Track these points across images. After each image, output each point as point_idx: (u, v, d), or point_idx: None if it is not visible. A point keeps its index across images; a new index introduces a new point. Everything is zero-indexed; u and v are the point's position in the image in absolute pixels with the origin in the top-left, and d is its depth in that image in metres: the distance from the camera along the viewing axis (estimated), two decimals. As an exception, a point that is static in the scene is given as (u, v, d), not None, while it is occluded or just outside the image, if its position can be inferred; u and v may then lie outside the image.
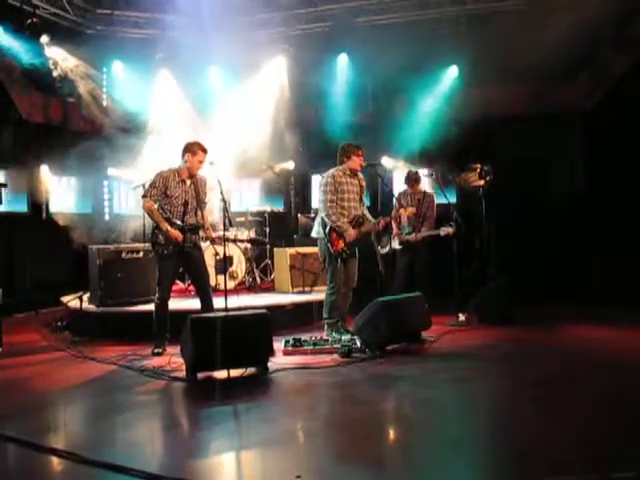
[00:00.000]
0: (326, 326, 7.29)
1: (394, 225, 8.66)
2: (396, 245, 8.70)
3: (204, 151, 6.85)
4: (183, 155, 6.87)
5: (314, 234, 7.42)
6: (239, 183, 11.51)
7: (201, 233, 6.90)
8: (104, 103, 11.20)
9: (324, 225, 7.17)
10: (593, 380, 5.46)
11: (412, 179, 8.81)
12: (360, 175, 7.45)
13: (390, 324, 6.54)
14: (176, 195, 6.77)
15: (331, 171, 7.28)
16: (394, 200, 8.79)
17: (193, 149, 6.82)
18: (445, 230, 8.29)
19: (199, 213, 6.90)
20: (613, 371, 5.69)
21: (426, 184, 9.52)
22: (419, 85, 10.88)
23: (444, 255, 8.36)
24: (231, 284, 9.28)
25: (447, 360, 6.35)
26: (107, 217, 11.61)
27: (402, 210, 8.41)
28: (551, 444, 3.97)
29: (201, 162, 6.83)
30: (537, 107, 10.62)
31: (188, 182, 6.85)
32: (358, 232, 7.22)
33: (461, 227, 8.19)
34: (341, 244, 7.10)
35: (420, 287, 7.86)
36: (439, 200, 8.72)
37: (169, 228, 6.67)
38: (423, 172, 9.03)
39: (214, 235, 7.05)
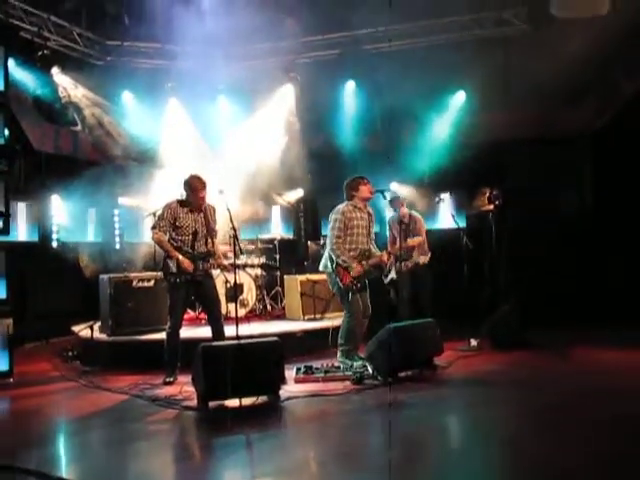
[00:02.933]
0: (340, 352, 7.26)
1: (391, 258, 8.65)
2: (394, 275, 8.64)
3: (203, 186, 6.87)
4: (185, 190, 6.93)
5: (322, 268, 7.44)
6: (249, 210, 11.59)
7: (212, 261, 6.94)
8: (114, 132, 11.34)
9: (331, 260, 7.19)
10: (609, 406, 5.41)
11: (397, 202, 8.80)
12: (369, 208, 7.49)
13: (402, 350, 6.54)
14: (185, 225, 6.83)
15: (341, 207, 7.30)
16: (387, 228, 8.87)
17: (192, 185, 6.86)
18: (421, 259, 8.50)
19: (209, 241, 6.96)
20: (629, 396, 5.65)
21: (439, 209, 9.59)
22: (427, 110, 10.98)
23: (455, 279, 8.37)
24: (242, 312, 9.31)
25: (460, 386, 6.36)
26: (118, 246, 11.66)
27: (410, 241, 8.48)
28: (565, 473, 3.96)
29: (202, 198, 6.88)
30: (545, 130, 10.68)
31: (196, 212, 6.91)
32: (365, 266, 7.21)
33: (471, 251, 8.23)
34: (349, 277, 7.11)
35: (427, 314, 7.82)
36: (447, 225, 8.75)
37: (180, 257, 6.72)
38: (436, 197, 9.11)
39: (225, 262, 7.11)
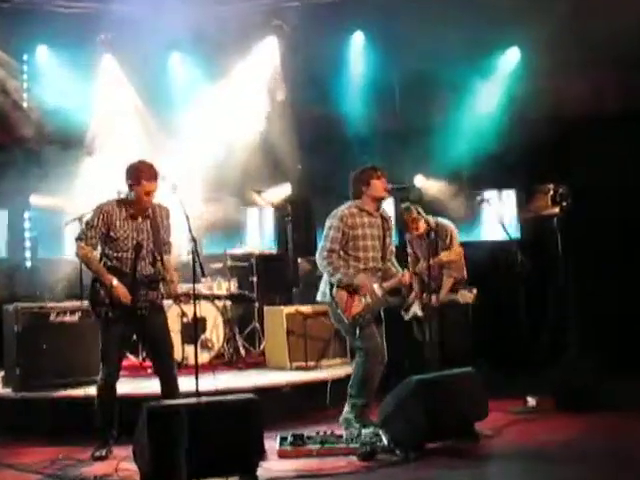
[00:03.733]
0: (349, 406, 7.35)
1: (414, 283, 8.71)
2: (417, 310, 8.80)
3: (153, 176, 6.83)
4: (126, 182, 6.91)
5: (320, 297, 7.55)
6: (214, 214, 11.63)
7: (162, 288, 6.97)
8: (23, 103, 11.31)
9: (330, 283, 7.31)
10: None
11: (407, 221, 8.82)
12: (386, 212, 7.63)
13: (429, 413, 6.48)
14: (124, 236, 6.81)
15: (341, 209, 7.43)
16: (407, 245, 9.05)
17: (138, 175, 6.81)
18: (464, 296, 8.53)
19: (158, 259, 6.95)
20: None
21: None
22: (465, 76, 11.05)
23: (504, 313, 8.40)
24: (204, 357, 9.44)
25: (510, 463, 6.36)
26: (29, 263, 11.65)
27: (443, 255, 8.30)
28: None
29: (149, 193, 6.84)
30: (627, 104, 10.77)
31: (140, 217, 6.90)
32: (379, 288, 7.33)
33: (529, 274, 8.26)
34: (356, 306, 7.19)
35: (460, 362, 7.76)
36: (493, 236, 8.78)
37: (114, 282, 6.67)
38: (477, 197, 9.12)
39: (180, 290, 7.12)
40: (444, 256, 8.08)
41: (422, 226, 8.68)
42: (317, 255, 7.38)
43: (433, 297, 8.33)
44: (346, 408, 7.38)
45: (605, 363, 8.37)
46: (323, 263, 7.26)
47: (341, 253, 7.31)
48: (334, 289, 7.23)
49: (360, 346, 7.28)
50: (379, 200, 7.45)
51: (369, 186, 7.31)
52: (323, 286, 7.47)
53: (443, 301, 8.59)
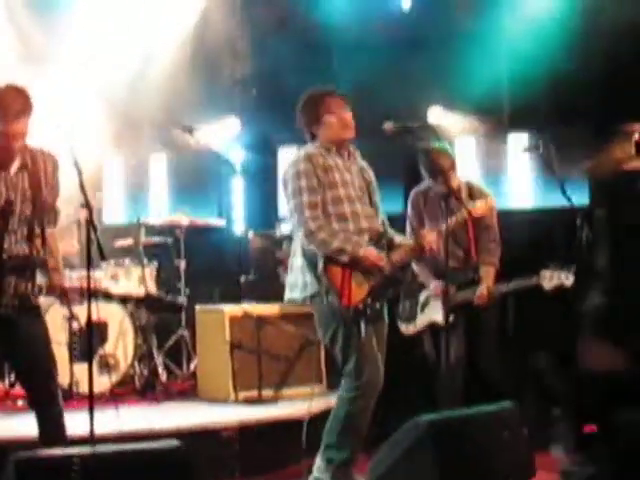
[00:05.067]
0: (323, 462, 7.24)
1: (417, 267, 8.81)
2: (437, 315, 8.60)
3: (19, 113, 6.65)
4: None
5: (295, 293, 7.40)
6: (120, 164, 11.55)
7: (40, 279, 6.81)
8: None
9: (311, 264, 7.12)
10: None
11: (444, 167, 8.60)
12: (362, 162, 7.59)
13: (444, 471, 6.26)
14: None
15: (302, 151, 7.37)
16: (408, 206, 9.04)
17: (1, 104, 6.66)
18: (554, 277, 8.16)
19: (37, 233, 6.82)
20: None
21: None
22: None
23: (560, 319, 8.36)
24: (104, 383, 9.23)
25: None
26: None
27: (477, 205, 8.19)
28: None
29: (17, 134, 6.67)
30: None
31: (13, 169, 6.73)
32: (386, 262, 7.21)
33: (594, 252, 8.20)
34: (357, 291, 7.14)
35: (497, 392, 7.84)
36: (549, 201, 8.72)
37: None
38: (520, 143, 9.10)
39: (68, 283, 7.01)
40: (479, 207, 8.04)
41: (457, 180, 8.77)
42: (294, 222, 7.32)
43: (480, 289, 8.54)
44: (318, 463, 7.14)
45: None
46: (310, 227, 7.11)
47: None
48: (320, 267, 7.11)
49: (352, 372, 7.14)
50: (341, 142, 7.38)
51: (320, 121, 7.36)
52: (298, 277, 7.34)
53: (505, 291, 8.67)
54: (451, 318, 8.19)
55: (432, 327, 8.55)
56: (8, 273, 6.66)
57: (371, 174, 7.58)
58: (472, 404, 7.32)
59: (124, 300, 9.69)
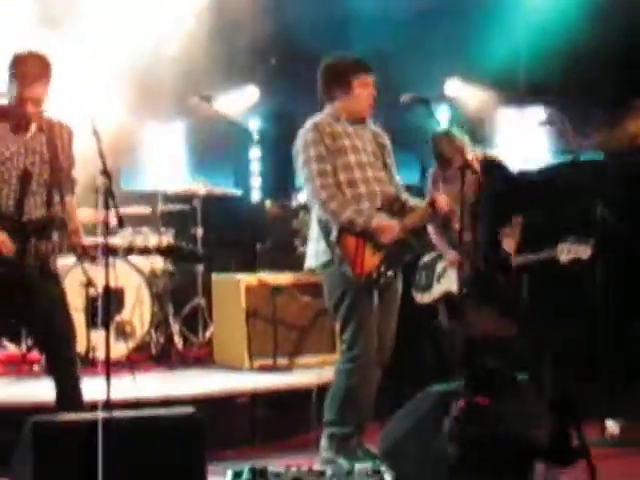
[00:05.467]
0: (327, 440, 7.28)
1: (440, 241, 8.91)
2: (453, 285, 8.73)
3: (41, 71, 6.75)
4: (8, 83, 6.80)
5: (311, 262, 7.47)
6: (140, 133, 11.55)
7: (58, 239, 6.85)
8: None
9: (325, 232, 7.16)
10: None
11: (448, 154, 8.81)
12: (375, 128, 7.57)
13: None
14: (5, 157, 6.72)
15: (310, 121, 7.41)
16: (428, 180, 9.13)
17: (19, 70, 6.75)
18: (572, 250, 8.22)
19: (56, 198, 6.86)
20: None
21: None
22: None
23: (575, 295, 8.35)
24: (121, 349, 9.35)
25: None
26: None
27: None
28: None
29: (35, 98, 6.73)
30: None
31: (30, 132, 6.77)
32: (402, 227, 7.21)
33: (615, 237, 8.18)
34: (370, 260, 7.14)
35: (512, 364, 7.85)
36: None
37: None
38: (537, 116, 9.10)
39: (86, 242, 7.01)
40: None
41: (469, 156, 8.57)
42: (307, 191, 7.40)
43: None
44: (323, 442, 7.27)
45: None
46: (320, 196, 7.16)
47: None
48: (333, 236, 7.15)
49: (350, 341, 7.25)
50: (362, 113, 7.47)
51: (346, 93, 7.36)
52: (313, 246, 7.40)
53: (522, 262, 8.76)
54: (455, 288, 8.55)
55: (447, 297, 8.39)
56: (30, 234, 6.75)
57: (386, 139, 7.61)
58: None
59: (145, 251, 9.56)
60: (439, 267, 8.48)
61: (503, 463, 6.57)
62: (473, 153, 8.20)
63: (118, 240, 9.32)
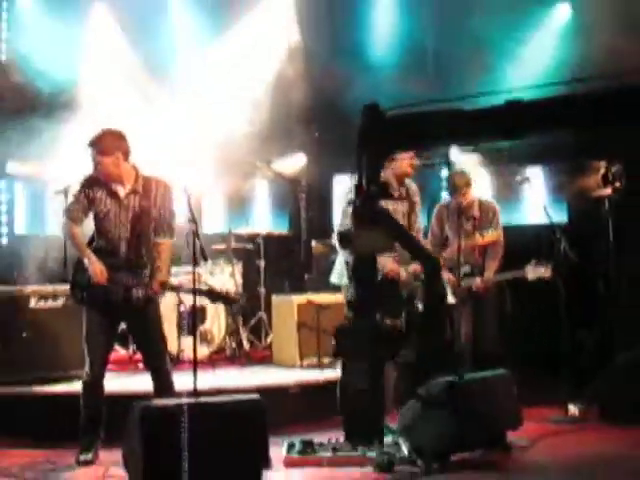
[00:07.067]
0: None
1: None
2: (449, 297, 8.66)
3: (113, 146, 6.83)
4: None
5: (336, 279, 7.77)
6: (217, 190, 11.81)
7: (143, 276, 7.00)
8: (1, 56, 11.49)
9: (348, 264, 7.40)
10: None
11: (459, 185, 8.88)
12: (412, 186, 7.78)
13: (456, 420, 6.62)
14: (104, 212, 6.97)
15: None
16: (432, 217, 9.10)
17: (100, 145, 6.85)
18: (535, 271, 8.46)
19: (145, 243, 7.03)
20: None
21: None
22: (507, 36, 11.04)
23: (544, 308, 8.51)
24: (203, 351, 9.69)
25: (545, 479, 6.56)
26: (4, 240, 11.88)
27: (480, 237, 8.57)
28: None
29: (108, 164, 6.82)
30: None
31: (122, 194, 7.00)
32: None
33: (574, 265, 8.37)
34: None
35: (494, 361, 8.00)
36: (534, 219, 8.87)
37: (94, 260, 6.83)
38: (518, 176, 9.24)
39: (166, 279, 7.16)
40: (488, 237, 8.43)
41: (471, 196, 8.92)
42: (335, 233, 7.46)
43: (476, 281, 8.67)
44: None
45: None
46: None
47: None
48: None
49: None
50: (403, 177, 7.58)
51: (392, 161, 7.33)
52: (340, 267, 7.63)
53: (497, 280, 8.75)
54: (453, 299, 8.50)
55: (447, 309, 8.62)
56: (122, 268, 6.90)
57: (417, 198, 7.83)
58: (477, 369, 7.65)
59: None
60: None
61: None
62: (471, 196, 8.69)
63: (202, 269, 9.47)
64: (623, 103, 5.25)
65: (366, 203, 5.31)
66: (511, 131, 5.36)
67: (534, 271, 8.41)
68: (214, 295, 8.13)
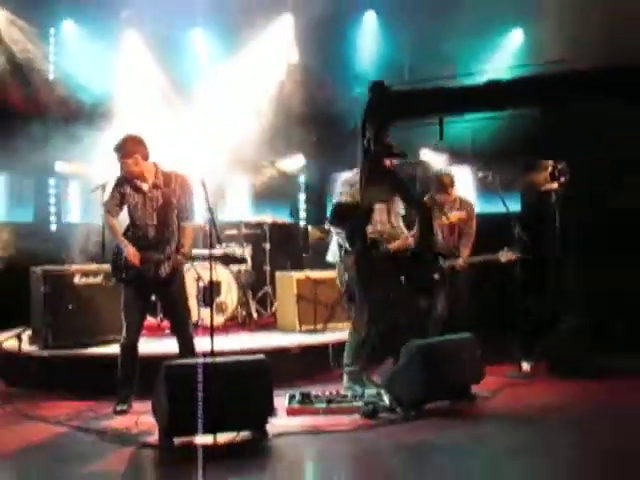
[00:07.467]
0: (346, 376, 7.51)
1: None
2: (440, 260, 8.73)
3: (134, 149, 6.91)
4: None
5: (331, 258, 7.72)
6: (230, 185, 11.81)
7: (168, 250, 7.03)
8: (51, 76, 11.50)
9: (341, 246, 7.42)
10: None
11: (444, 184, 8.84)
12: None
13: (429, 375, 6.70)
14: (133, 205, 7.06)
15: (346, 175, 7.60)
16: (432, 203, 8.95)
17: (122, 149, 6.94)
18: (506, 255, 8.47)
19: (169, 226, 7.08)
20: None
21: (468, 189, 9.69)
22: (471, 55, 10.91)
23: (504, 284, 8.53)
24: (219, 319, 9.59)
25: (502, 424, 6.57)
26: (54, 228, 11.84)
27: (444, 218, 8.66)
28: None
29: (131, 165, 6.93)
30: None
31: (145, 189, 7.07)
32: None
33: (527, 247, 8.40)
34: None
35: (463, 327, 7.91)
36: (494, 209, 8.90)
37: (127, 245, 6.95)
38: (477, 173, 9.24)
39: (187, 252, 7.28)
40: (452, 217, 8.61)
41: (454, 195, 8.91)
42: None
43: (458, 261, 8.63)
44: (344, 376, 7.52)
45: (597, 333, 8.45)
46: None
47: None
48: (343, 254, 7.40)
49: (359, 310, 7.39)
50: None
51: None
52: (334, 248, 7.60)
53: (475, 262, 8.71)
54: (437, 276, 8.55)
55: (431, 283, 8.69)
56: (151, 249, 6.98)
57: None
58: (448, 333, 7.66)
59: (231, 267, 9.93)
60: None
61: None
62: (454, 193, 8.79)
63: (217, 250, 9.51)
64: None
65: (373, 160, 5.38)
66: (491, 104, 5.46)
67: (505, 255, 8.43)
68: (228, 258, 8.25)
